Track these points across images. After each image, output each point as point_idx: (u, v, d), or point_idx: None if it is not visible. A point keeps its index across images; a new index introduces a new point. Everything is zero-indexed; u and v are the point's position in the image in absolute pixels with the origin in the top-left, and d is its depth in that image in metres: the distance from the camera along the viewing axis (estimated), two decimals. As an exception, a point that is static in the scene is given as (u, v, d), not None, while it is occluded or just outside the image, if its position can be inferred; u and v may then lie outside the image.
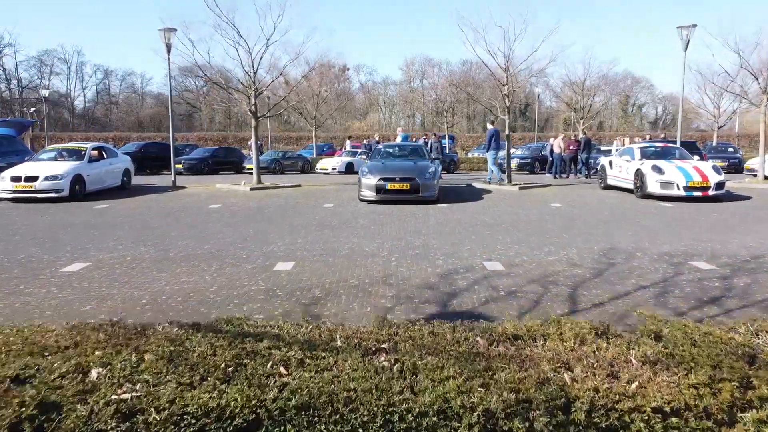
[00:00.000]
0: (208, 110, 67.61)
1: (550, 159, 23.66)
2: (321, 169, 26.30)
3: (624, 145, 18.56)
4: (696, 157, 13.91)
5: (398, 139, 21.77)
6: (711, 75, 27.63)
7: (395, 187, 11.74)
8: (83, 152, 13.92)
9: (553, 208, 11.36)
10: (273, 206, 11.83)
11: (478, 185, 16.40)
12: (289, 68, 16.80)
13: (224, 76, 16.37)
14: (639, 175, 12.90)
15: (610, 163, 14.92)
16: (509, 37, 15.15)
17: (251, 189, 15.05)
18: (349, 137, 35.56)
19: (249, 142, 37.94)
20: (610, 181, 14.85)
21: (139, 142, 27.98)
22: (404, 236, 8.21)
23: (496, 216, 10.27)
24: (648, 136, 24.43)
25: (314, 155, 31.93)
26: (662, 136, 25.07)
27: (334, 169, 25.83)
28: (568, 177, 20.66)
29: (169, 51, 15.62)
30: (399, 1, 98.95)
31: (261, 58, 15.62)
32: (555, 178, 20.35)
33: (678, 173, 12.25)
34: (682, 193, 12.08)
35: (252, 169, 26.52)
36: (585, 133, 21.60)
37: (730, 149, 27.40)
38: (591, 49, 35.57)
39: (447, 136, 31.44)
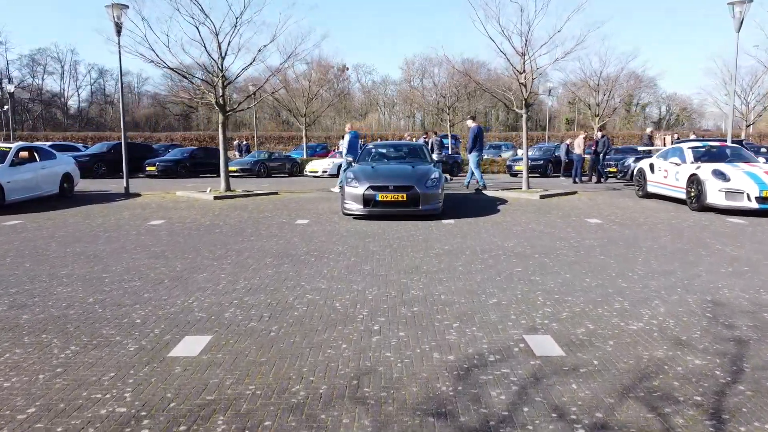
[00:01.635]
0: (204, 110, 65.12)
1: (566, 161, 21.14)
2: (310, 172, 23.72)
3: (665, 145, 15.96)
4: (762, 159, 11.32)
5: (345, 140, 14.92)
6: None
7: (388, 198, 9.14)
8: (7, 154, 11.31)
9: (593, 227, 8.75)
10: (231, 223, 9.22)
11: (488, 192, 13.80)
12: (266, 55, 14.15)
13: (187, 64, 13.74)
14: (695, 182, 10.29)
15: (651, 166, 12.30)
16: (528, 15, 12.55)
17: (215, 198, 12.44)
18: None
19: (235, 142, 35.27)
20: (651, 189, 12.24)
21: (109, 142, 25.35)
22: (396, 277, 5.60)
23: (523, 239, 7.67)
24: (676, 135, 21.90)
25: (304, 156, 29.34)
26: (691, 135, 22.52)
27: (324, 171, 23.25)
28: (590, 180, 18.07)
29: (119, 32, 13.03)
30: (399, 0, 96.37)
31: (230, 42, 13.04)
32: (575, 182, 17.77)
33: (748, 180, 9.64)
34: (754, 205, 9.47)
35: (234, 171, 24.11)
36: (602, 130, 18.98)
37: (763, 149, 24.74)
38: (608, 39, 32.65)
39: (449, 136, 28.83)
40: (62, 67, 73.43)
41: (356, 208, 9.26)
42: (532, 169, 21.76)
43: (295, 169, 25.31)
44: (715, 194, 9.81)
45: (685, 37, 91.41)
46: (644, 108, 77.83)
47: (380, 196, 9.13)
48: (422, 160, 11.01)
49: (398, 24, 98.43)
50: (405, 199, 9.12)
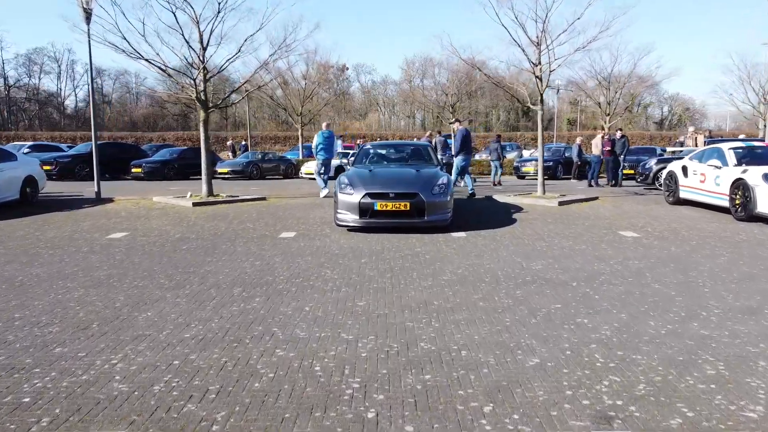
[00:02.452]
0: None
1: (578, 162, 19.85)
2: (305, 174, 22.40)
3: (697, 145, 14.60)
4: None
5: (315, 141, 13.35)
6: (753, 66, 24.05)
7: (389, 208, 7.80)
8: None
9: (630, 242, 7.40)
10: (204, 236, 7.88)
11: (499, 198, 12.46)
12: (255, 47, 12.84)
13: (170, 60, 12.34)
14: (741, 187, 8.96)
15: (684, 169, 10.97)
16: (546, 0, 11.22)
17: (195, 204, 11.10)
18: (341, 136, 31.61)
19: (228, 143, 33.95)
20: (684, 195, 10.90)
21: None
22: (399, 318, 4.27)
23: (552, 259, 6.33)
24: (709, 133, 20.62)
25: (300, 157, 27.98)
26: (707, 134, 21.19)
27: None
28: (608, 184, 16.70)
29: (88, 20, 11.70)
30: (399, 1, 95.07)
31: (212, 31, 11.70)
32: (590, 185, 16.49)
33: (805, 186, 8.31)
34: (814, 215, 8.14)
35: (225, 173, 22.78)
36: (621, 129, 17.65)
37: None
38: (621, 33, 30.86)
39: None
40: (59, 66, 72.44)
41: (351, 218, 7.92)
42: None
43: (291, 170, 24.02)
44: (767, 202, 8.47)
45: (702, 32, 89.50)
46: (646, 108, 76.61)
47: (379, 205, 7.79)
48: (427, 162, 9.67)
49: (398, 23, 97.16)
50: (408, 208, 7.79)
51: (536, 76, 11.75)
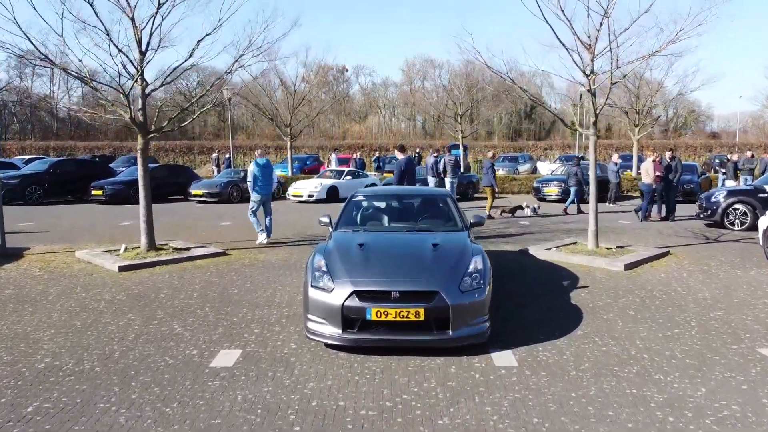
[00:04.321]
0: (200, 114, 60.36)
1: (616, 182, 16.86)
2: (293, 196, 19.39)
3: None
4: None
5: (250, 172, 10.42)
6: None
7: (390, 317, 4.75)
8: None
9: (803, 387, 4.34)
10: (84, 367, 4.80)
11: (538, 253, 9.35)
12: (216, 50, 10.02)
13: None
14: None
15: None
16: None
17: (122, 269, 8.04)
18: (335, 149, 28.47)
19: (213, 155, 30.72)
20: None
21: (51, 159, 21.08)
22: None
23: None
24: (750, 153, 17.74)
25: (290, 173, 24.84)
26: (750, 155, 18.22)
27: (311, 195, 18.96)
28: (668, 218, 13.56)
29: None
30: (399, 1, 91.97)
31: (153, 29, 8.67)
32: (636, 214, 13.60)
33: None
34: None
35: (200, 195, 19.65)
36: (672, 150, 14.58)
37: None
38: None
39: (462, 146, 24.41)
40: (52, 69, 69.67)
41: (329, 332, 4.87)
42: (564, 194, 17.34)
43: (278, 190, 20.98)
44: None
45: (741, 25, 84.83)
46: (651, 111, 72.87)
47: (374, 312, 4.74)
48: (447, 223, 6.57)
49: (399, 22, 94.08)
50: (422, 317, 4.74)
51: (589, 91, 8.69)
